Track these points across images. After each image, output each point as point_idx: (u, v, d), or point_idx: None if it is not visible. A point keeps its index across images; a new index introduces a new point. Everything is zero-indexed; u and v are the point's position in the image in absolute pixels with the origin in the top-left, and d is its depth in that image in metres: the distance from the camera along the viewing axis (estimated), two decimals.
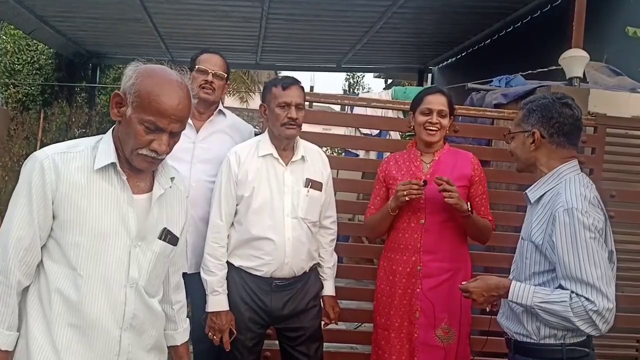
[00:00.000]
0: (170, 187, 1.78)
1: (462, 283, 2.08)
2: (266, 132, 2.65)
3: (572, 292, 1.82)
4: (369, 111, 4.45)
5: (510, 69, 4.75)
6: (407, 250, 2.60)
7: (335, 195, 2.82)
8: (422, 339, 2.52)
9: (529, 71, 4.76)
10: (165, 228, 1.74)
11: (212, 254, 2.55)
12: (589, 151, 3.59)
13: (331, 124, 3.71)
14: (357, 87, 30.11)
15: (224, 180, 2.57)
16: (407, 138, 4.27)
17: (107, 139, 1.67)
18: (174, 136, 1.64)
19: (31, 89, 11.25)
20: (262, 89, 2.74)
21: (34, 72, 11.34)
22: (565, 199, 1.86)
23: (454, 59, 9.10)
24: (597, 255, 1.82)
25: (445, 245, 2.58)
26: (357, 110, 4.65)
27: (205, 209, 2.66)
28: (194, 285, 2.65)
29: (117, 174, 1.63)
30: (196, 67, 2.73)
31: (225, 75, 2.77)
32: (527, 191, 2.07)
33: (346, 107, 6.78)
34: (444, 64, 9.73)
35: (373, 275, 3.62)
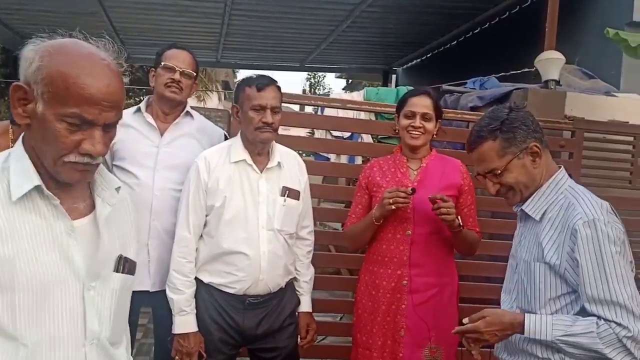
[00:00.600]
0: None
1: (464, 322, 1.81)
2: (238, 135, 2.43)
3: (599, 317, 1.59)
4: (340, 113, 4.26)
5: (479, 70, 4.68)
6: (391, 263, 2.43)
7: None
8: (408, 359, 2.36)
9: (502, 73, 4.69)
10: (121, 255, 1.33)
11: (178, 270, 2.32)
12: (567, 155, 3.52)
13: (301, 125, 3.51)
14: (318, 87, 30.02)
15: (192, 189, 2.34)
16: (381, 141, 4.11)
17: (18, 153, 1.21)
18: (109, 130, 1.21)
19: None
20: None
21: None
22: (584, 210, 1.65)
23: (419, 60, 9.04)
24: (626, 273, 1.61)
25: (432, 259, 2.43)
26: (328, 112, 4.47)
27: (170, 220, 2.43)
28: (158, 303, 2.44)
29: (44, 198, 1.20)
30: (162, 63, 2.49)
31: (195, 74, 2.54)
32: (523, 207, 1.81)
33: (306, 107, 6.61)
34: (408, 65, 9.66)
35: (345, 286, 3.46)
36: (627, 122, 3.59)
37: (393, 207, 2.30)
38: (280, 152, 2.46)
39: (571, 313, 1.69)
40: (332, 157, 4.63)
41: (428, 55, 8.59)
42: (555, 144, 3.43)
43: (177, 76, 2.47)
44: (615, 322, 1.58)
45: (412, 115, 2.43)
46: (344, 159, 4.55)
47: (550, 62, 3.94)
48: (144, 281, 2.44)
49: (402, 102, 2.49)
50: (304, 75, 30.88)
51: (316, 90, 28.91)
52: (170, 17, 7.01)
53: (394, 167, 2.50)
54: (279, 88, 2.37)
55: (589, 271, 1.61)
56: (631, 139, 3.55)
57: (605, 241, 1.60)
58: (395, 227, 2.43)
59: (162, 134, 2.53)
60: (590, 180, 3.43)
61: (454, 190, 2.43)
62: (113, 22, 7.46)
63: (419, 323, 2.38)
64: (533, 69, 4.13)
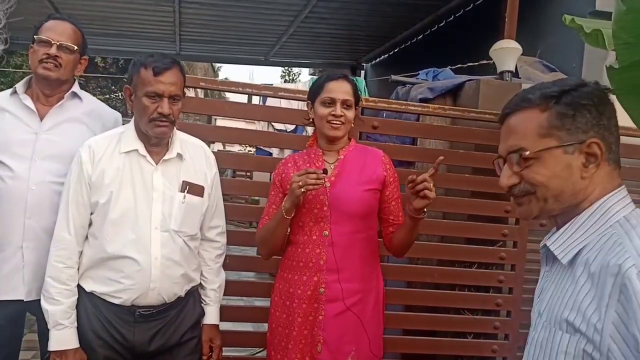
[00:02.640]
0: None
1: None
2: (132, 121, 2.09)
3: None
4: (284, 105, 3.96)
5: (442, 64, 4.39)
6: (307, 269, 2.12)
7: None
8: None
9: (459, 65, 4.42)
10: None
11: (55, 277, 1.98)
12: None
13: (237, 116, 3.20)
14: (294, 83, 29.61)
15: (73, 183, 2.01)
16: None
17: None
18: None
19: None
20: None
21: None
22: (636, 250, 1.03)
23: (386, 55, 8.74)
24: None
25: (355, 262, 2.12)
26: (271, 104, 4.16)
27: (50, 219, 2.09)
28: (40, 314, 2.07)
29: None
30: (36, 37, 2.14)
31: (76, 47, 2.18)
32: (548, 243, 1.22)
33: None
34: (376, 60, 9.36)
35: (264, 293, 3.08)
36: None
37: (303, 189, 1.98)
38: (183, 142, 2.13)
39: None
40: (275, 152, 4.31)
41: (395, 51, 8.29)
42: None
43: (53, 50, 2.11)
44: None
45: (331, 103, 2.12)
46: (287, 154, 4.25)
47: (506, 52, 3.69)
48: (17, 288, 2.11)
49: (317, 88, 2.18)
50: (279, 71, 30.49)
51: None
52: (118, 3, 6.57)
53: (309, 162, 2.20)
54: (181, 70, 2.03)
55: None
56: None
57: None
58: (310, 228, 2.13)
59: (42, 119, 2.18)
60: None
61: (376, 184, 2.15)
62: (59, 9, 7.00)
63: (338, 336, 2.08)
64: (492, 61, 3.88)
